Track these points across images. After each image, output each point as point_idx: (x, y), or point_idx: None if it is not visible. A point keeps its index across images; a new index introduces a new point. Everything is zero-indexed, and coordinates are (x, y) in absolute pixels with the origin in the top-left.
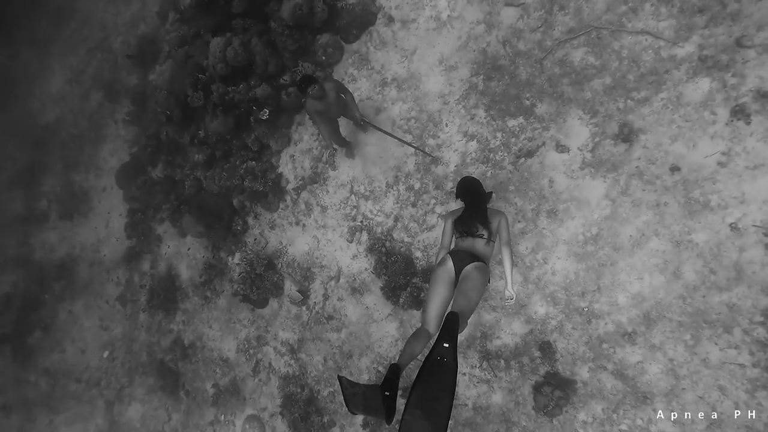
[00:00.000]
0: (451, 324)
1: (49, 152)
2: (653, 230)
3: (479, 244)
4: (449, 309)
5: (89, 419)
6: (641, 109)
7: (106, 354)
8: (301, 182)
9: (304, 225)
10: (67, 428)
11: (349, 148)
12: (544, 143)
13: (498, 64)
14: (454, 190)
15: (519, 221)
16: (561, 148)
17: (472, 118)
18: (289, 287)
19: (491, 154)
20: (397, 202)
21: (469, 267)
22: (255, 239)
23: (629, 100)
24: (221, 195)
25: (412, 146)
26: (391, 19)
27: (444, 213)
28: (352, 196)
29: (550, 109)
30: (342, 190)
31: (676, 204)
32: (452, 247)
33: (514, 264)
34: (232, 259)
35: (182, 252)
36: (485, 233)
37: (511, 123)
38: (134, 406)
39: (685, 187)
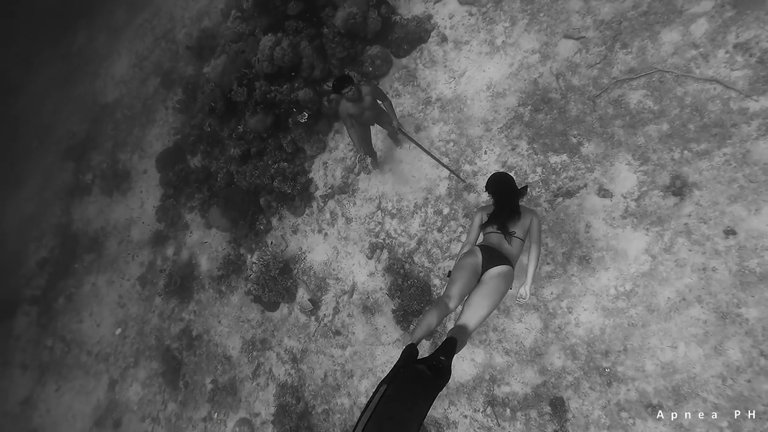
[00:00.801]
0: (449, 346)
1: (102, 130)
2: (696, 296)
3: (508, 243)
4: (458, 322)
5: (92, 393)
6: (699, 163)
7: (118, 331)
8: (329, 190)
9: (326, 234)
10: (71, 397)
11: (374, 158)
12: (586, 185)
13: (548, 97)
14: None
15: (548, 263)
16: (604, 192)
17: (513, 149)
18: (302, 295)
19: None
20: (423, 225)
21: (494, 270)
22: (276, 241)
23: (686, 151)
24: (249, 192)
25: (447, 168)
26: (444, 39)
27: None
28: (379, 212)
29: (597, 150)
30: (369, 204)
31: (727, 271)
32: (480, 241)
33: (538, 265)
34: (251, 258)
35: (206, 243)
36: (516, 231)
37: (554, 159)
38: (135, 387)
39: (740, 254)
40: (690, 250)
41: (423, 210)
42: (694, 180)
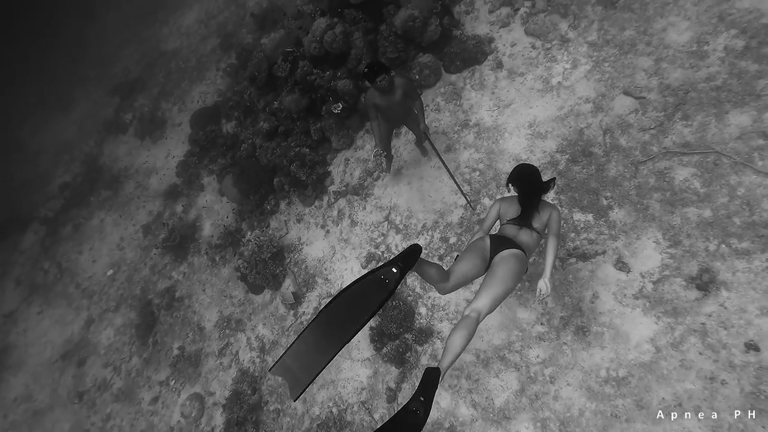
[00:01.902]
0: (430, 380)
1: (154, 75)
2: (695, 406)
3: (524, 235)
4: (470, 306)
5: (68, 325)
6: (735, 262)
7: (110, 272)
8: (343, 188)
9: (328, 231)
10: (49, 324)
11: (389, 161)
12: (605, 252)
13: (589, 150)
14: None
15: (542, 324)
16: (622, 265)
17: None
18: (287, 286)
19: (542, 240)
20: (426, 249)
21: (505, 252)
22: (278, 225)
23: (724, 246)
24: (267, 169)
25: (464, 195)
26: (499, 65)
27: None
28: (386, 222)
29: (627, 218)
30: (378, 212)
31: (738, 389)
32: (494, 232)
33: (556, 258)
34: (250, 234)
35: (214, 209)
36: (534, 224)
37: (578, 217)
38: (108, 332)
39: (759, 374)
40: (701, 354)
41: (430, 233)
42: (725, 279)
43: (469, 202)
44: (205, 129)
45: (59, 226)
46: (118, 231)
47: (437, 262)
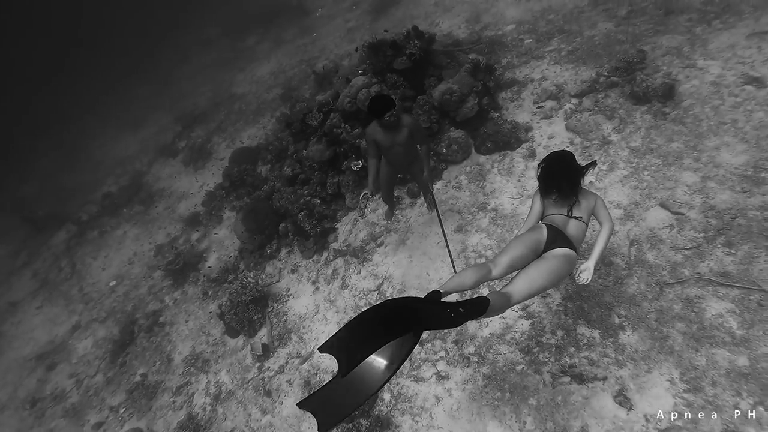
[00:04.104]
0: (478, 304)
1: (216, 112)
2: None
3: (573, 227)
4: (504, 287)
5: (56, 326)
6: (764, 427)
7: (112, 283)
8: (345, 248)
9: (317, 288)
10: (40, 321)
11: (391, 208)
12: (605, 378)
13: (610, 260)
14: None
15: None
16: (623, 399)
17: (543, 297)
18: (262, 335)
19: (536, 348)
20: None
21: (559, 251)
22: (273, 271)
23: (761, 407)
24: (277, 213)
25: (452, 265)
26: (532, 154)
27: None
28: (376, 292)
29: (640, 345)
30: (372, 280)
31: None
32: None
33: (607, 245)
34: (240, 273)
35: (224, 243)
36: (578, 214)
37: (582, 330)
38: (87, 341)
39: None
40: None
41: None
42: None
43: (455, 271)
44: (240, 166)
45: (87, 229)
46: (134, 246)
47: (472, 269)
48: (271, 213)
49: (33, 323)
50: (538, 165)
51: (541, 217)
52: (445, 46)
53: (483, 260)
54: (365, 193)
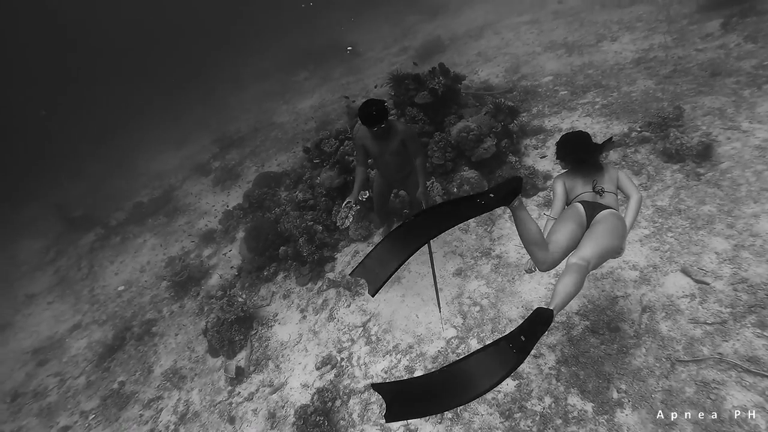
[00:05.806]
0: (540, 319)
1: (254, 138)
2: None
3: (602, 198)
4: (570, 259)
5: (59, 324)
6: None
7: (121, 288)
8: (339, 279)
9: (304, 317)
10: (47, 317)
11: (385, 227)
12: None
13: (617, 325)
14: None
15: None
16: None
17: (535, 357)
18: (240, 358)
19: (518, 413)
20: (386, 372)
21: (604, 212)
22: (266, 293)
23: None
24: (281, 236)
25: (438, 302)
26: (548, 203)
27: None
28: (360, 329)
29: (639, 427)
30: (359, 315)
31: None
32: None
33: (637, 217)
34: (234, 292)
35: (232, 262)
36: (606, 187)
37: (573, 401)
38: (82, 342)
39: None
40: None
41: (397, 357)
42: None
43: (439, 309)
44: (261, 189)
45: (112, 234)
46: (149, 254)
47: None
48: (275, 235)
49: (41, 317)
50: (555, 143)
51: (568, 203)
52: (477, 89)
53: (486, 301)
54: (348, 202)
